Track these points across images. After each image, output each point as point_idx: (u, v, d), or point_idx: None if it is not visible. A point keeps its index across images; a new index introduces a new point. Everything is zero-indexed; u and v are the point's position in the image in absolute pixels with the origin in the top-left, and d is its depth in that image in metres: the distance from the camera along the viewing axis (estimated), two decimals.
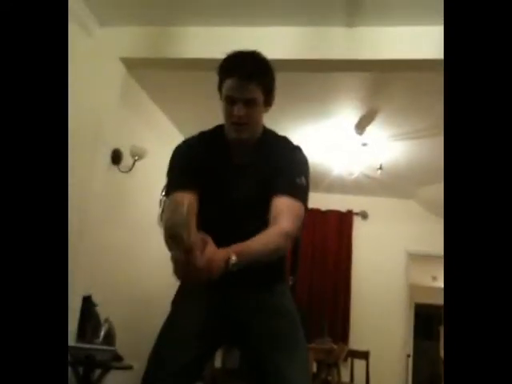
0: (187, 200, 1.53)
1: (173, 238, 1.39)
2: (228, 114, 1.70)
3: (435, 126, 4.51)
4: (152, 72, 3.89)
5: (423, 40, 3.16)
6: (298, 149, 1.80)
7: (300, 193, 1.70)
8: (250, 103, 1.67)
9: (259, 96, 1.68)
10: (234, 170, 1.77)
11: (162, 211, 4.80)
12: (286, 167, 1.72)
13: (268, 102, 1.75)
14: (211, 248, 1.42)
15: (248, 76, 1.64)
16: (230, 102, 1.68)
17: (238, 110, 1.66)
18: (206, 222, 1.71)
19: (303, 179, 1.72)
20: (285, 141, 1.82)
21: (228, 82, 1.66)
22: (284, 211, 1.64)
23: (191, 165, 1.76)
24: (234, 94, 1.66)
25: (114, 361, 3.21)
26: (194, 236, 1.39)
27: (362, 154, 5.17)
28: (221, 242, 1.51)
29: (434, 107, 4.18)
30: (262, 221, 1.69)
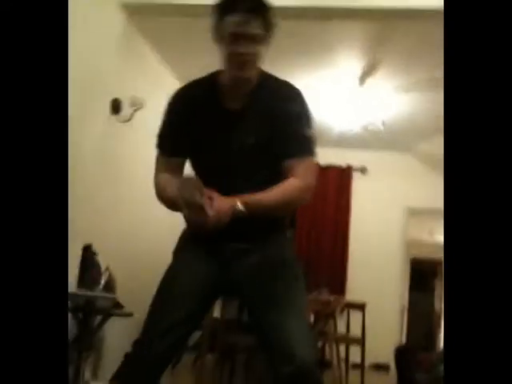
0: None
1: (188, 205, 1.49)
2: (231, 52, 1.65)
3: (436, 79, 4.44)
4: (153, 20, 3.79)
5: None
6: (300, 95, 1.77)
7: (310, 148, 1.72)
8: (253, 39, 1.63)
9: (263, 31, 1.65)
10: (231, 117, 1.74)
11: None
12: (293, 122, 1.71)
13: (268, 39, 1.70)
14: (219, 200, 1.50)
15: (252, 9, 1.60)
16: (232, 39, 1.63)
17: (242, 47, 1.62)
18: (207, 173, 1.71)
19: (311, 131, 1.73)
20: (286, 85, 1.78)
21: (230, 19, 1.62)
22: (296, 171, 1.67)
23: (182, 125, 1.78)
24: (239, 30, 1.61)
25: (114, 308, 3.26)
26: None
27: (363, 107, 5.11)
28: (225, 193, 1.57)
29: (437, 58, 4.10)
30: (267, 169, 1.69)
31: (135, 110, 4.10)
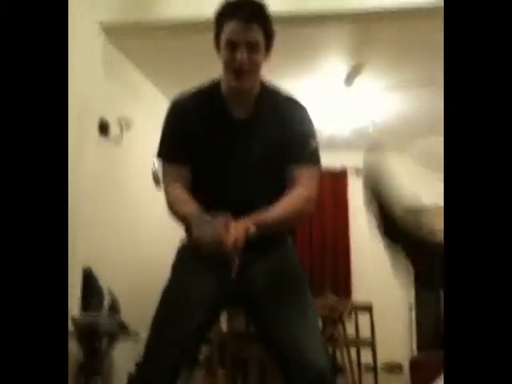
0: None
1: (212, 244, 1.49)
2: (229, 60, 1.64)
3: (424, 77, 4.46)
4: (132, 38, 3.80)
5: None
6: (304, 109, 1.78)
7: (314, 158, 1.73)
8: (252, 47, 1.61)
9: (261, 39, 1.63)
10: (236, 125, 1.72)
11: (156, 176, 4.79)
12: (298, 133, 1.71)
13: (268, 48, 1.69)
14: (234, 227, 1.48)
15: (250, 17, 1.59)
16: (231, 46, 1.62)
17: (241, 55, 1.60)
18: (211, 181, 1.70)
19: (315, 142, 1.73)
20: (291, 99, 1.78)
21: (229, 26, 1.61)
22: (300, 180, 1.67)
23: (185, 131, 1.73)
24: (237, 38, 1.60)
25: (120, 329, 3.23)
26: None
27: (353, 108, 5.12)
28: (232, 202, 1.59)
29: (423, 57, 4.12)
30: (273, 177, 1.69)
31: (124, 130, 4.10)
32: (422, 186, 6.15)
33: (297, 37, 3.87)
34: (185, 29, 3.29)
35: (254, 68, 1.66)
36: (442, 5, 2.85)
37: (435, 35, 3.46)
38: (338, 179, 6.72)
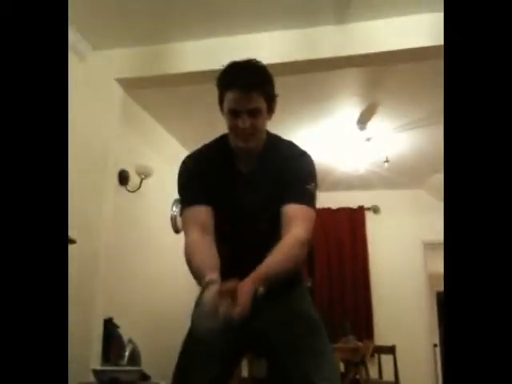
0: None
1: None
2: (233, 126, 1.69)
3: (436, 114, 4.50)
4: (150, 90, 3.91)
5: (413, 29, 3.17)
6: (304, 154, 1.80)
7: (310, 199, 1.71)
8: (253, 113, 1.65)
9: (262, 105, 1.67)
10: (242, 178, 1.78)
11: (175, 224, 4.82)
12: (295, 175, 1.72)
13: (271, 109, 1.73)
14: (241, 292, 1.42)
15: (249, 86, 1.62)
16: (233, 114, 1.66)
17: (243, 122, 1.65)
18: (220, 232, 1.72)
19: (312, 185, 1.73)
20: (291, 146, 1.82)
21: (229, 95, 1.65)
22: (296, 218, 1.65)
23: (200, 180, 1.76)
24: (237, 107, 1.64)
25: (141, 380, 3.21)
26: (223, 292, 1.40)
27: (367, 148, 5.15)
28: (236, 249, 1.61)
29: (433, 94, 4.17)
30: (272, 224, 1.69)
31: (143, 179, 4.17)
32: (439, 219, 6.13)
33: (310, 82, 3.95)
34: (199, 80, 3.38)
35: (257, 131, 1.70)
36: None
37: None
38: (355, 217, 6.71)
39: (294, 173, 1.72)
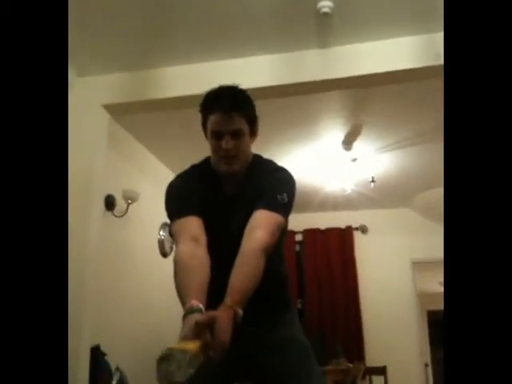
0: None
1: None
2: (216, 148, 1.72)
3: (420, 134, 4.57)
4: (137, 115, 3.91)
5: (395, 52, 3.22)
6: (283, 169, 1.82)
7: (279, 207, 1.68)
8: (236, 134, 1.69)
9: (244, 126, 1.71)
10: (227, 200, 1.79)
11: (163, 248, 4.79)
12: (269, 185, 1.73)
13: (253, 132, 1.77)
14: (219, 325, 1.36)
15: (230, 108, 1.67)
16: (216, 136, 1.70)
17: (226, 143, 1.68)
18: (211, 247, 1.71)
19: (285, 196, 1.70)
20: (269, 164, 1.84)
21: (212, 118, 1.69)
22: (262, 222, 1.63)
23: (189, 194, 1.76)
24: (220, 128, 1.68)
25: None
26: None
27: (353, 169, 5.19)
28: (219, 271, 1.53)
29: (417, 115, 4.23)
30: None
31: (129, 204, 4.15)
32: (427, 237, 6.19)
33: (295, 104, 3.98)
34: (186, 104, 3.39)
35: (240, 153, 1.73)
36: (434, 64, 2.98)
37: (429, 93, 3.58)
38: (344, 236, 6.73)
39: (268, 183, 1.74)
